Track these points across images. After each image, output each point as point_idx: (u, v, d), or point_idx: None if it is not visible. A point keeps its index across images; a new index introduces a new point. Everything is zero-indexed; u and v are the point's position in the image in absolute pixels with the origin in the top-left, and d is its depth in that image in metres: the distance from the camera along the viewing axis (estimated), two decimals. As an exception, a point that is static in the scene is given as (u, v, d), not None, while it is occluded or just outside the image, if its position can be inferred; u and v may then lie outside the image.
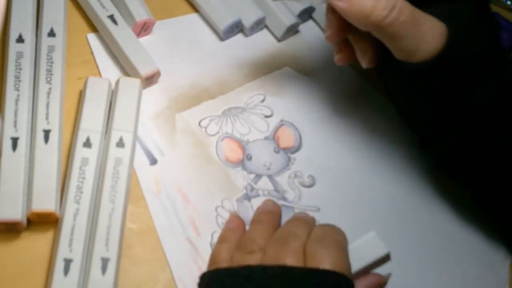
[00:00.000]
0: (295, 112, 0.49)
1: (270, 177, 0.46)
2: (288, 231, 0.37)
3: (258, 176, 0.46)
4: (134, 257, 0.40)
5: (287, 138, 0.48)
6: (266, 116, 0.48)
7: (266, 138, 0.47)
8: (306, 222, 0.38)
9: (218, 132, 0.46)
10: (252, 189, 0.45)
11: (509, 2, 0.60)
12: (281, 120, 0.48)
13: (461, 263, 0.45)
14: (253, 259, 0.35)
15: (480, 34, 0.39)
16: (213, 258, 0.38)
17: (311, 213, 0.43)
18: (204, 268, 0.40)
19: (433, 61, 0.38)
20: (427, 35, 0.38)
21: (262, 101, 0.49)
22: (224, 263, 0.37)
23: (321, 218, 0.44)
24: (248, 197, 0.44)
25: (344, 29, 0.41)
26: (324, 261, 0.33)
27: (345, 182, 0.47)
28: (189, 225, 0.42)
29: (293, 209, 0.45)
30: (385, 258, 0.37)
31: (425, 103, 0.41)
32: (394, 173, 0.48)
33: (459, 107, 0.39)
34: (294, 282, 0.33)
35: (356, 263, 0.36)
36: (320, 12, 0.54)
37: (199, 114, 0.47)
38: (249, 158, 0.46)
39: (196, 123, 0.47)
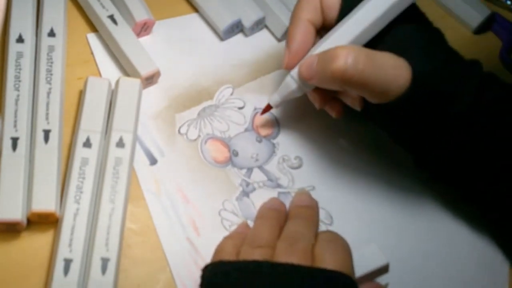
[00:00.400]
0: (265, 98, 0.48)
1: (260, 167, 0.46)
2: (296, 231, 0.37)
3: (250, 170, 0.46)
4: (134, 257, 0.40)
5: (265, 125, 0.48)
6: (240, 108, 0.48)
7: (246, 130, 0.47)
8: (311, 220, 0.39)
9: (199, 136, 0.46)
10: (248, 184, 0.45)
11: (509, 2, 0.60)
12: (255, 109, 0.48)
13: (460, 267, 0.45)
14: (260, 254, 0.35)
15: (436, 50, 0.40)
16: (217, 252, 0.38)
17: None
18: (204, 268, 0.41)
19: (405, 96, 0.39)
20: (390, 75, 0.38)
21: (231, 94, 0.49)
22: (228, 257, 0.37)
23: (318, 196, 0.44)
24: (246, 193, 0.44)
25: (326, 95, 0.43)
26: (332, 263, 0.34)
27: (333, 155, 0.47)
28: (189, 225, 0.42)
29: (290, 193, 0.45)
30: (384, 269, 0.38)
31: (411, 129, 0.41)
32: (388, 165, 0.48)
33: (443, 123, 0.40)
34: (303, 280, 0.33)
35: (356, 271, 0.36)
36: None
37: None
38: (236, 154, 0.46)
39: (174, 128, 0.46)
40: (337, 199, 0.45)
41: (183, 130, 0.46)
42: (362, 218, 0.45)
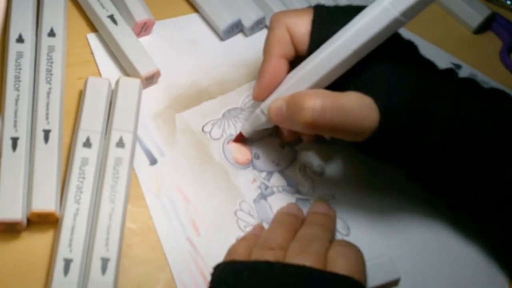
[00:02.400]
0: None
1: (281, 172, 0.46)
2: (311, 233, 0.38)
3: (270, 174, 0.46)
4: (134, 257, 0.40)
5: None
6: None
7: (269, 135, 0.47)
8: (327, 227, 0.40)
9: (222, 136, 0.46)
10: (266, 187, 0.45)
11: (508, 2, 0.60)
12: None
13: (460, 264, 0.45)
14: (272, 255, 0.36)
15: (404, 80, 0.39)
16: (230, 252, 0.38)
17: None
18: (204, 268, 0.41)
19: (376, 135, 0.38)
20: (359, 116, 0.38)
21: None
22: (240, 258, 0.37)
23: (337, 206, 0.44)
24: (264, 196, 0.44)
25: (295, 132, 0.44)
26: (344, 269, 0.34)
27: (354, 166, 0.47)
28: (189, 225, 0.42)
29: (309, 200, 0.45)
30: (394, 283, 0.38)
31: (392, 156, 0.41)
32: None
33: (420, 148, 0.40)
34: (314, 283, 0.33)
35: (368, 282, 0.36)
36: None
37: (199, 115, 0.47)
38: (257, 157, 0.46)
39: (197, 125, 0.47)
40: (355, 210, 0.45)
41: (207, 129, 0.46)
42: (379, 231, 0.45)
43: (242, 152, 0.46)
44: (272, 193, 0.45)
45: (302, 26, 0.41)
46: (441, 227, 0.46)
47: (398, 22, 0.36)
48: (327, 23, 0.40)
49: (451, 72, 0.41)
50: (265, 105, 0.42)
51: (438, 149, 0.39)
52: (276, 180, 0.45)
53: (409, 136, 0.39)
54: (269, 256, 0.36)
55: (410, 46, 0.41)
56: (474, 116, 0.39)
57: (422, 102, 0.39)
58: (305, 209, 0.43)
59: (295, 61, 0.42)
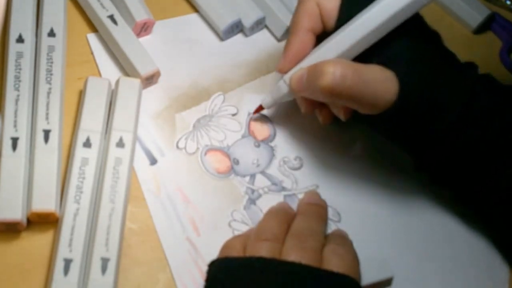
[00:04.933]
0: (257, 103, 0.48)
1: (262, 173, 0.46)
2: (305, 227, 0.38)
3: (253, 176, 0.45)
4: (134, 257, 0.40)
5: (261, 129, 0.48)
6: (233, 115, 0.48)
7: (243, 136, 0.47)
8: (320, 217, 0.40)
9: (198, 148, 0.46)
10: (253, 191, 0.45)
11: (508, 2, 0.60)
12: (249, 114, 0.48)
13: (461, 267, 0.45)
14: (267, 248, 0.35)
15: (425, 60, 0.40)
16: (224, 248, 0.38)
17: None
18: (204, 268, 0.40)
19: (393, 109, 0.39)
20: (379, 88, 0.38)
21: (223, 101, 0.48)
22: (235, 253, 0.37)
23: (323, 195, 0.44)
24: (252, 201, 0.44)
25: (313, 103, 0.44)
26: (339, 267, 0.34)
27: (333, 153, 0.47)
28: (189, 225, 0.42)
29: (296, 195, 0.45)
30: (387, 282, 0.39)
31: (404, 136, 0.42)
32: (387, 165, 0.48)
33: (434, 132, 0.40)
34: (310, 281, 0.33)
35: (361, 279, 0.36)
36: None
37: (199, 114, 0.47)
38: (236, 162, 0.46)
39: (170, 144, 0.45)
40: (342, 196, 0.45)
41: (181, 145, 0.46)
42: (368, 213, 0.45)
43: (220, 161, 0.45)
44: (259, 195, 0.45)
45: (332, 0, 0.42)
46: (427, 210, 0.46)
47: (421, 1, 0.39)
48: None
49: (471, 65, 0.42)
50: (287, 76, 0.43)
51: (449, 137, 0.40)
52: (260, 182, 0.45)
53: (422, 118, 0.40)
54: (264, 249, 0.35)
55: (435, 36, 0.42)
56: (487, 108, 0.40)
57: (439, 87, 0.40)
58: (293, 204, 0.43)
59: (320, 38, 0.42)
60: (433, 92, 0.39)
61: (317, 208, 0.41)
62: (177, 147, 0.45)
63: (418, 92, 0.39)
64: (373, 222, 0.45)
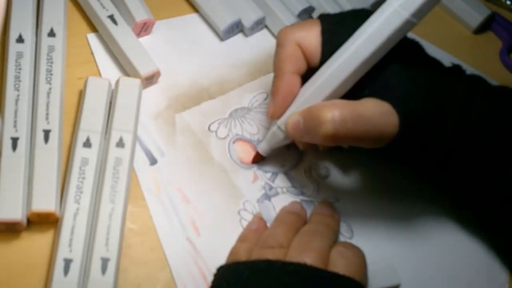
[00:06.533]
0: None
1: (286, 173, 0.46)
2: (314, 230, 0.37)
3: (275, 174, 0.46)
4: (134, 257, 0.40)
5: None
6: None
7: (288, 148, 0.47)
8: (331, 227, 0.40)
9: (228, 135, 0.46)
10: (271, 188, 0.45)
11: (508, 2, 0.60)
12: None
13: (460, 264, 0.45)
14: (272, 254, 0.35)
15: (417, 80, 0.39)
16: (231, 255, 0.38)
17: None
18: (204, 268, 0.41)
19: (396, 140, 0.38)
20: (380, 124, 0.37)
21: (265, 99, 0.49)
22: (242, 259, 0.37)
23: (341, 209, 0.44)
24: (268, 197, 0.44)
25: (313, 144, 0.43)
26: (345, 271, 0.34)
27: (359, 169, 0.47)
28: (189, 225, 0.42)
29: (313, 202, 0.45)
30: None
31: (406, 158, 0.41)
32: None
33: (437, 144, 0.40)
34: (314, 283, 0.33)
35: (368, 285, 0.36)
36: (321, 12, 0.54)
37: (199, 115, 0.47)
38: (262, 158, 0.46)
39: (202, 124, 0.46)
40: (359, 213, 0.45)
41: (213, 128, 0.46)
42: (383, 234, 0.45)
43: (247, 152, 0.46)
44: (277, 193, 0.45)
45: (312, 39, 0.40)
46: (445, 230, 0.46)
47: (409, 24, 0.36)
48: (336, 31, 0.40)
49: (458, 69, 0.41)
50: (281, 121, 0.42)
51: (450, 147, 0.39)
52: (281, 181, 0.45)
53: (426, 136, 0.39)
54: (269, 254, 0.36)
55: (416, 46, 0.41)
56: (485, 114, 0.39)
57: (436, 103, 0.39)
58: (309, 211, 0.43)
59: (306, 74, 0.42)
60: (431, 109, 0.39)
61: (328, 219, 0.41)
62: (209, 129, 0.46)
63: (418, 116, 0.38)
64: (385, 242, 0.44)
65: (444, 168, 0.41)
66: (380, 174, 0.47)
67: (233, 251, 0.39)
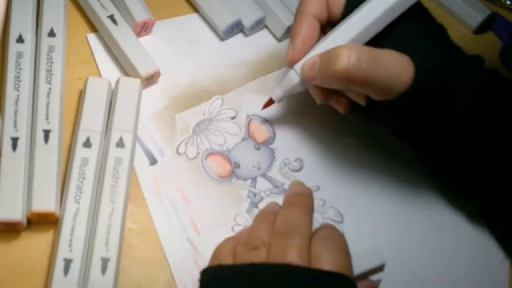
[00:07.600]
0: (255, 104, 0.48)
1: (264, 175, 0.46)
2: (290, 222, 0.36)
3: (254, 179, 0.45)
4: (134, 257, 0.40)
5: (261, 132, 0.47)
6: (232, 118, 0.48)
7: (243, 139, 0.47)
8: (306, 207, 0.38)
9: (198, 153, 0.46)
10: (255, 194, 0.45)
11: (508, 2, 0.60)
12: (247, 116, 0.48)
13: (460, 264, 0.45)
14: (257, 256, 0.35)
15: (438, 47, 0.40)
16: (215, 253, 0.38)
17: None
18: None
19: (408, 93, 0.39)
20: (394, 72, 0.38)
21: (221, 105, 0.48)
22: (226, 259, 0.36)
23: (325, 196, 0.44)
24: (255, 204, 0.44)
25: (328, 91, 0.43)
26: (329, 263, 0.33)
27: (332, 153, 0.47)
28: (189, 225, 0.42)
29: None
30: (379, 268, 0.38)
31: (413, 125, 0.42)
32: (387, 161, 0.48)
33: (444, 119, 0.40)
34: (301, 283, 0.33)
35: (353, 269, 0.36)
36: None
37: (199, 114, 0.47)
38: (237, 165, 0.45)
39: (171, 148, 0.45)
40: (344, 196, 0.45)
41: (181, 150, 0.45)
42: (371, 213, 0.45)
43: (221, 165, 0.45)
44: (261, 199, 0.45)
45: None
46: (429, 207, 0.46)
47: None
48: None
49: (478, 57, 0.42)
50: (298, 65, 0.42)
51: (459, 123, 0.40)
52: (262, 185, 0.45)
53: (435, 104, 0.39)
54: (254, 256, 0.35)
55: (442, 28, 0.43)
56: (497, 96, 0.40)
57: (452, 73, 0.40)
58: None
59: (324, 30, 0.42)
60: (446, 77, 0.39)
61: (301, 198, 0.40)
62: (177, 152, 0.45)
63: (432, 77, 0.39)
64: (376, 221, 0.45)
65: (448, 149, 0.41)
66: (356, 155, 0.47)
67: (216, 250, 0.37)
